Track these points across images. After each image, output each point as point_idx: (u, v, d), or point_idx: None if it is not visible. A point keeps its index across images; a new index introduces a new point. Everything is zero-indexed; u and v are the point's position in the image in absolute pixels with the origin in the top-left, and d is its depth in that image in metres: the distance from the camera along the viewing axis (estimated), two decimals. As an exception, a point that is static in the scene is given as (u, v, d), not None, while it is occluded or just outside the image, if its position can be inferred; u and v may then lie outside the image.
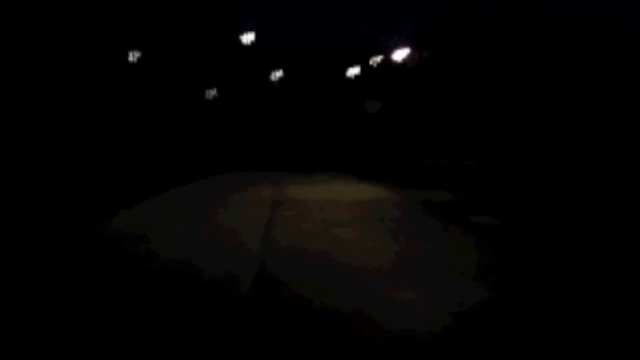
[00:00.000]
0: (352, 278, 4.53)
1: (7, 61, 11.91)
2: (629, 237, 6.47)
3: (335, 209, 8.73)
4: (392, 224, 7.34)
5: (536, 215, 8.25)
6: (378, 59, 31.62)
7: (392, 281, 4.44)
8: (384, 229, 6.94)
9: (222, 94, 28.53)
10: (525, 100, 17.05)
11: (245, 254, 5.37)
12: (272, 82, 33.14)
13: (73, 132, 13.87)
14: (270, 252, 5.51)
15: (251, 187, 13.06)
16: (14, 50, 12.07)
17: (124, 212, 8.09)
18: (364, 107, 31.51)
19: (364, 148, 26.50)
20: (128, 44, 17.81)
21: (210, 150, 25.01)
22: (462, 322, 3.41)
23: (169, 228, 6.92)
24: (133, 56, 17.88)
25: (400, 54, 25.22)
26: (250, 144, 29.59)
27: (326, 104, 33.54)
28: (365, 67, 32.79)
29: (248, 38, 26.41)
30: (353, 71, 34.76)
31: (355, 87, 33.55)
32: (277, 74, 33.14)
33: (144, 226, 6.92)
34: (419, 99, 24.19)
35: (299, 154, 28.60)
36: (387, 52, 28.96)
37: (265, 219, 7.64)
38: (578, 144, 15.33)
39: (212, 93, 28.15)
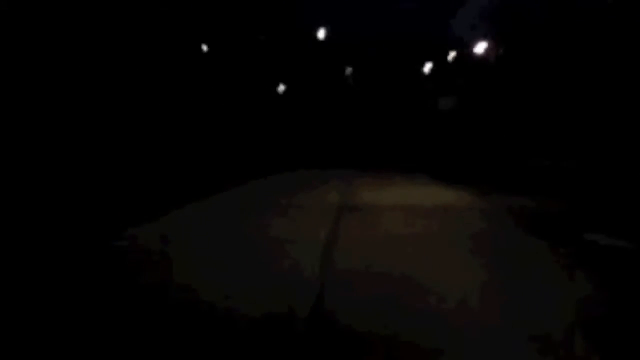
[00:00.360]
0: (428, 323, 3.35)
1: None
2: None
3: (409, 218, 7.50)
4: (476, 243, 5.89)
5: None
6: (455, 53, 29.95)
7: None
8: (465, 251, 5.44)
9: (292, 88, 28.12)
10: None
11: (299, 279, 4.36)
12: (345, 77, 32.34)
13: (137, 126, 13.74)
14: (329, 278, 4.45)
15: (319, 187, 12.15)
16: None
17: (166, 218, 7.40)
18: (438, 104, 30.03)
19: (439, 147, 24.70)
20: (196, 38, 17.64)
21: (280, 146, 24.46)
22: None
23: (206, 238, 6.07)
24: (202, 50, 17.67)
25: (481, 47, 23.48)
26: (321, 140, 28.72)
27: (401, 99, 32.10)
28: (441, 62, 31.16)
29: (321, 32, 25.92)
30: (428, 66, 33.20)
31: (431, 82, 31.96)
32: (350, 69, 32.42)
33: (179, 232, 6.16)
34: (500, 94, 22.07)
35: (371, 152, 27.38)
36: (464, 47, 27.26)
37: (328, 229, 6.61)
38: None
39: (281, 88, 27.83)
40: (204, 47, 19.22)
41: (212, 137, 17.51)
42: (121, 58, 13.14)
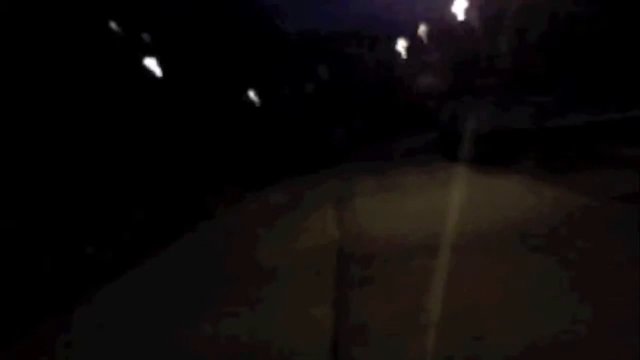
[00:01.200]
0: None
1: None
2: None
3: (448, 279, 3.88)
4: None
5: None
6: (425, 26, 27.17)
7: None
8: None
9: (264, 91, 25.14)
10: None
11: None
12: (319, 74, 29.50)
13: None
14: None
15: (304, 208, 8.56)
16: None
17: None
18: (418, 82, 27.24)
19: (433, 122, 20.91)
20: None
21: (257, 155, 20.30)
22: None
23: None
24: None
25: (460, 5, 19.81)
26: (304, 140, 24.77)
27: (381, 85, 29.05)
28: (414, 40, 28.36)
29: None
30: (402, 44, 30.28)
31: (408, 62, 29.11)
32: (323, 66, 29.73)
33: None
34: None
35: (362, 144, 23.72)
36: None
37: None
38: None
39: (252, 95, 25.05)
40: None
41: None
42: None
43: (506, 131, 10.80)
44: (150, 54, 16.33)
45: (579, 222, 4.69)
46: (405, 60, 28.84)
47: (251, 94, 25.16)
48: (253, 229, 7.91)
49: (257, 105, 25.84)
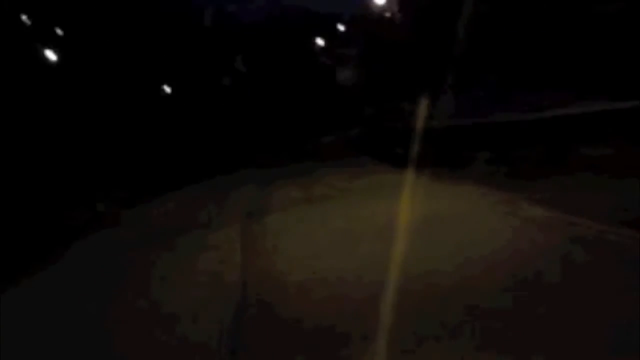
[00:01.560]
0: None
1: None
2: None
3: None
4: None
5: None
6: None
7: None
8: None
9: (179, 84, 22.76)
10: None
11: None
12: (235, 64, 27.30)
13: None
14: None
15: (197, 242, 6.37)
16: None
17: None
18: (337, 77, 26.08)
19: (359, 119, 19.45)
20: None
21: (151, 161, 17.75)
22: None
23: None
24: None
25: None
26: (216, 139, 22.14)
27: (300, 78, 27.28)
28: (334, 33, 27.06)
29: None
30: (321, 40, 28.89)
31: (327, 55, 27.75)
32: (240, 56, 27.60)
33: None
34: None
35: (279, 141, 21.52)
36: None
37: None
38: None
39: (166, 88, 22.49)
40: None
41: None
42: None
43: (443, 128, 9.45)
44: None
45: (574, 270, 3.15)
46: (325, 51, 27.48)
47: (163, 85, 22.72)
48: (117, 267, 5.68)
49: (165, 95, 23.28)
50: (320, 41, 28.07)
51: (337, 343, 2.73)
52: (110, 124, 15.93)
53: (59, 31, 16.76)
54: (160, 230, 7.26)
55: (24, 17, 15.05)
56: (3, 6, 13.41)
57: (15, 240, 6.96)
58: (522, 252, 3.54)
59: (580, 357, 2.17)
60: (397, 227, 4.59)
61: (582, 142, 6.34)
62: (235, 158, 17.24)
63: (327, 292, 3.50)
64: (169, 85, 23.68)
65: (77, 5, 17.24)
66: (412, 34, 16.29)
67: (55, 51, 14.97)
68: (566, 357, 2.19)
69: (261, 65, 27.83)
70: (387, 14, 19.35)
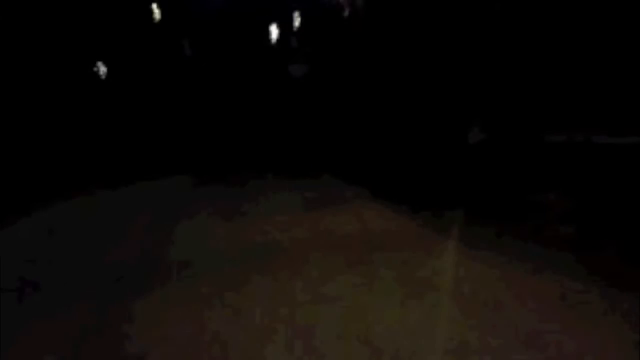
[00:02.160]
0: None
1: None
2: None
3: None
4: None
5: None
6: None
7: None
8: None
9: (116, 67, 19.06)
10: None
11: None
12: (182, 50, 24.31)
13: None
14: None
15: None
16: None
17: None
18: (289, 71, 23.67)
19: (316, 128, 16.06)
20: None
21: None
22: None
23: None
24: None
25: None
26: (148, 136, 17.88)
27: (250, 73, 24.56)
28: (288, 25, 24.57)
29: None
30: (275, 31, 26.21)
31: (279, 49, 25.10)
32: (187, 41, 24.65)
33: None
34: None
35: (222, 145, 16.98)
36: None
37: None
38: None
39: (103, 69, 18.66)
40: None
41: None
42: None
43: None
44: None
45: None
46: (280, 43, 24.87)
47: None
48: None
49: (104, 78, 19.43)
50: (274, 30, 25.53)
51: None
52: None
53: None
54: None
55: None
56: None
57: None
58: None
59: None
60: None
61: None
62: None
63: None
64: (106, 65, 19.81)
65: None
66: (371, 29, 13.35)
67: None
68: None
69: (210, 49, 24.95)
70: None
